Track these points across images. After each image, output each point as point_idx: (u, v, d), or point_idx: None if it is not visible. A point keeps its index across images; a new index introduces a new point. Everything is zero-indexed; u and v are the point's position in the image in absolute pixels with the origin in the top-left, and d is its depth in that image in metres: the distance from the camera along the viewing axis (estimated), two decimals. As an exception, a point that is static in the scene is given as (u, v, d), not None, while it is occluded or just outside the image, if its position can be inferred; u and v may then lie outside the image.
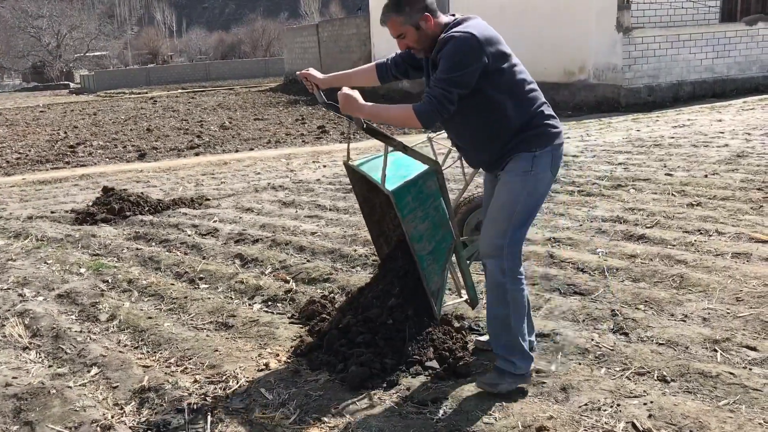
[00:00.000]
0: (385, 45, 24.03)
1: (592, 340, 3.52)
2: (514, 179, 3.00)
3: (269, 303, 4.40)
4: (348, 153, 3.81)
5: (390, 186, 3.14)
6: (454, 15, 3.06)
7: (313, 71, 3.48)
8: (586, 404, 2.95)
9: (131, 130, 16.21)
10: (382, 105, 3.08)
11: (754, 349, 3.32)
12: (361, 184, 3.89)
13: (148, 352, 3.79)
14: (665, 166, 7.52)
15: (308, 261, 5.10)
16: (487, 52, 2.86)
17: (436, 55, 2.93)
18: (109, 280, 5.00)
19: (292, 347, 3.67)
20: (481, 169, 3.31)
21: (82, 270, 5.26)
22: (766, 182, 6.40)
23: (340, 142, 12.49)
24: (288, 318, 4.12)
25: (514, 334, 3.06)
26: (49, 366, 3.67)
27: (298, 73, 3.49)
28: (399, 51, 3.28)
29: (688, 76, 14.62)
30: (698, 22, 14.79)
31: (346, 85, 3.25)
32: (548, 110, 3.07)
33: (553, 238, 5.21)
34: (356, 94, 3.05)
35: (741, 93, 14.64)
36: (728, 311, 3.75)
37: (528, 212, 3.04)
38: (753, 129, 9.67)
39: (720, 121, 10.92)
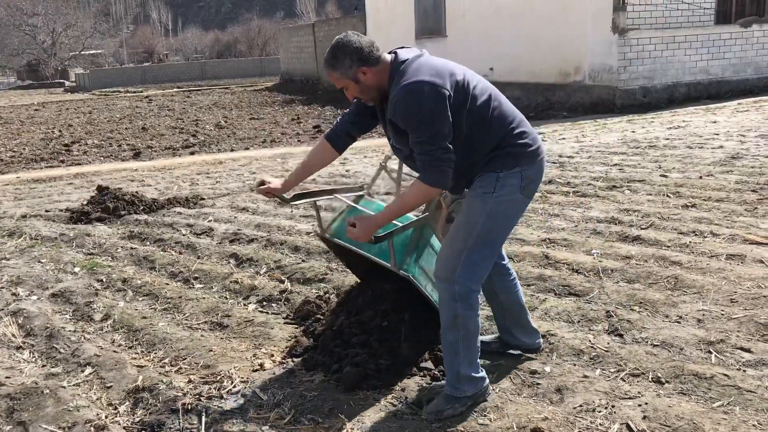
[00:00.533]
0: (381, 45, 24.00)
1: (587, 341, 3.52)
2: (473, 201, 2.86)
3: (264, 303, 4.39)
4: (320, 224, 3.60)
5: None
6: (395, 52, 2.86)
7: (267, 181, 3.29)
8: (580, 405, 2.95)
9: (126, 128, 16.18)
10: (395, 203, 2.89)
11: (748, 350, 3.32)
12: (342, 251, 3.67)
13: (142, 351, 3.78)
14: (660, 168, 7.54)
15: (303, 261, 5.09)
16: (445, 93, 2.66)
17: (391, 109, 2.72)
18: (104, 280, 4.99)
19: (287, 348, 3.67)
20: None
21: (77, 269, 5.25)
22: (761, 184, 6.42)
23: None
24: (283, 318, 4.12)
25: (461, 361, 2.92)
26: (43, 366, 3.66)
27: (256, 192, 3.24)
28: (347, 110, 3.17)
29: (683, 77, 14.66)
30: (693, 24, 14.83)
31: (305, 177, 3.24)
32: (520, 128, 2.87)
33: (549, 239, 5.21)
34: (366, 218, 2.88)
35: (736, 95, 14.68)
36: (723, 313, 3.76)
37: (489, 235, 2.85)
38: (747, 131, 9.70)
39: (715, 122, 10.95)
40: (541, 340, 3.44)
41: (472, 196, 2.88)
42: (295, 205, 3.33)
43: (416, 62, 2.76)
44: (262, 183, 3.29)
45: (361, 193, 3.66)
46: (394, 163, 3.54)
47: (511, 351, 3.44)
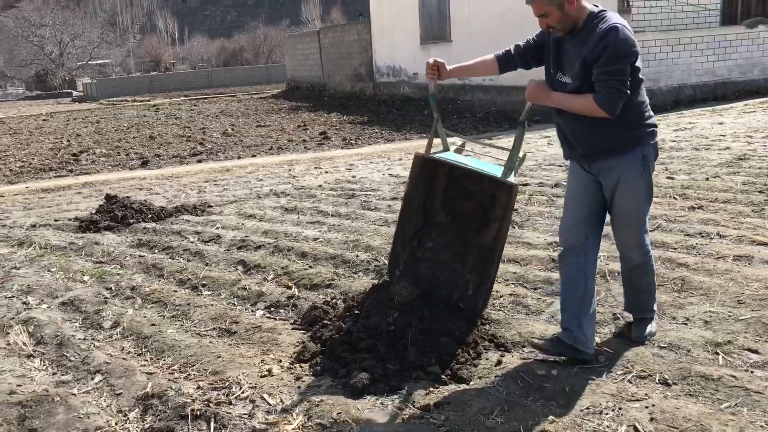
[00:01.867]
0: (386, 52, 24.10)
1: (594, 343, 3.52)
2: (634, 181, 3.29)
3: (272, 309, 4.41)
4: (428, 148, 3.90)
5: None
6: (596, 5, 3.24)
7: (440, 61, 3.63)
8: (587, 408, 2.96)
9: (134, 137, 16.27)
10: (564, 94, 3.24)
11: (756, 351, 3.32)
12: (434, 176, 3.97)
13: (151, 358, 3.81)
14: (667, 170, 7.53)
15: (310, 267, 5.11)
16: (638, 48, 3.12)
17: (590, 40, 3.11)
18: (113, 288, 5.02)
19: (294, 353, 3.69)
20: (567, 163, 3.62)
21: (86, 278, 5.29)
22: (768, 185, 6.41)
23: (342, 148, 12.52)
24: (290, 324, 4.14)
25: (654, 292, 3.61)
26: (53, 373, 3.69)
27: (429, 60, 3.60)
28: (517, 44, 3.53)
29: (689, 79, 14.63)
30: (699, 26, 14.80)
31: (466, 76, 3.99)
32: (650, 111, 3.33)
33: (555, 242, 5.22)
34: (544, 84, 3.32)
35: (742, 96, 14.64)
36: (730, 314, 3.75)
37: (647, 204, 3.40)
38: (754, 132, 9.67)
39: (721, 124, 10.93)
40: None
41: (629, 178, 3.28)
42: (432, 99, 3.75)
43: (613, 13, 3.19)
44: (436, 63, 3.60)
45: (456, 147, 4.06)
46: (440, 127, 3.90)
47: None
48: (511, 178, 3.56)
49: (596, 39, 3.08)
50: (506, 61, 3.56)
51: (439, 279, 3.99)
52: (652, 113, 3.32)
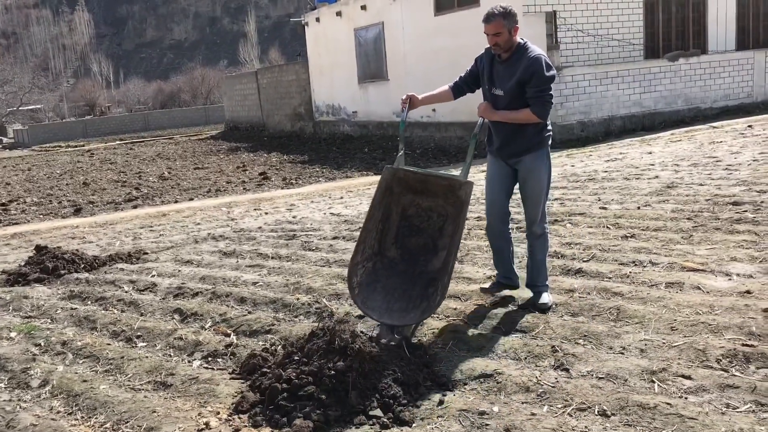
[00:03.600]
0: (325, 91, 24.27)
1: (534, 377, 3.54)
2: (540, 171, 4.42)
3: (209, 359, 4.29)
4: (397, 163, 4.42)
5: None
6: (522, 38, 4.31)
7: (414, 95, 4.54)
8: (529, 444, 2.95)
9: (67, 184, 15.85)
10: (506, 111, 4.31)
11: (689, 377, 3.39)
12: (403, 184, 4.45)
13: (82, 417, 3.65)
14: (600, 200, 7.72)
15: (249, 312, 5.02)
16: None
17: (520, 65, 4.18)
18: (42, 344, 4.81)
19: (233, 404, 3.59)
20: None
21: (13, 334, 5.06)
22: (695, 211, 6.63)
23: (282, 188, 12.46)
24: (229, 373, 4.03)
25: (546, 266, 4.68)
26: (-24, 439, 3.49)
27: (403, 97, 4.48)
28: (461, 76, 4.60)
29: (618, 111, 15.17)
30: (624, 60, 15.43)
31: (434, 101, 4.69)
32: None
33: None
34: (489, 106, 4.37)
35: (668, 125, 15.25)
36: (664, 341, 3.83)
37: (548, 189, 4.51)
38: (681, 160, 10.04)
39: (650, 153, 11.31)
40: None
41: (537, 169, 4.40)
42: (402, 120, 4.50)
43: (534, 45, 4.29)
44: (408, 96, 4.49)
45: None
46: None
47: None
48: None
49: (526, 65, 4.16)
50: (458, 89, 4.63)
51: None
52: (550, 125, 4.45)
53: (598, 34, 14.95)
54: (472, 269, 5.55)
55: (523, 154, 4.38)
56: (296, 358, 3.73)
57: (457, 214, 4.28)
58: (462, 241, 6.42)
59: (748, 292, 4.44)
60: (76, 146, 32.72)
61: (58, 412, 3.74)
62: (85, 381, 4.07)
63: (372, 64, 20.73)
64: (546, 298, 4.53)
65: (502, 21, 4.14)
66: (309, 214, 9.00)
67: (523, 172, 4.43)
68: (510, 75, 4.21)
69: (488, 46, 4.32)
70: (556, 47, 14.31)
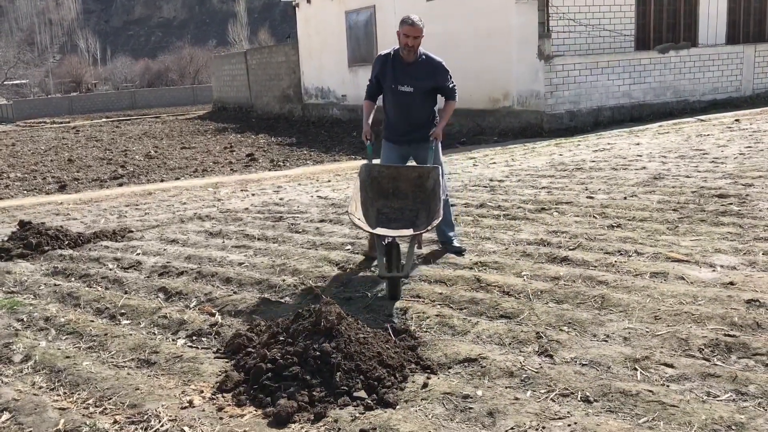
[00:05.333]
0: (314, 73, 24.13)
1: (518, 362, 3.56)
2: (438, 149, 5.50)
3: (194, 338, 4.28)
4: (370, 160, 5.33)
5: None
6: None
7: (368, 128, 5.36)
8: (512, 428, 2.98)
9: (52, 160, 15.69)
10: (444, 117, 5.46)
11: (671, 366, 3.42)
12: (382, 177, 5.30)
13: (65, 393, 3.63)
14: (587, 189, 7.75)
15: (235, 293, 5.00)
16: None
17: (429, 68, 5.28)
18: (25, 319, 4.78)
19: (217, 383, 3.58)
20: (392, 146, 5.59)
21: (-5, 309, 5.01)
22: (681, 203, 6.67)
23: (270, 169, 12.41)
24: (213, 353, 4.02)
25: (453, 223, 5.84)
26: (-44, 413, 3.46)
27: (366, 135, 5.34)
28: (368, 85, 5.56)
29: (607, 101, 15.19)
30: (615, 50, 15.42)
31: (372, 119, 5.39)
32: None
33: (480, 262, 5.28)
34: (437, 129, 5.43)
35: (657, 117, 15.30)
36: (647, 330, 3.86)
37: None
38: (668, 152, 10.10)
39: (638, 144, 11.36)
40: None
41: (437, 148, 5.46)
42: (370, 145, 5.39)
43: (427, 51, 5.34)
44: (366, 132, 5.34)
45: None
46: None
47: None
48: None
49: (435, 68, 5.29)
50: (374, 97, 5.50)
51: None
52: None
53: (590, 24, 14.94)
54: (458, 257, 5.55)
55: (428, 138, 5.38)
56: (281, 338, 3.72)
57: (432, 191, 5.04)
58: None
59: (731, 283, 4.48)
60: (61, 122, 32.37)
61: (41, 387, 3.72)
62: (68, 357, 4.04)
63: (362, 47, 20.61)
64: (458, 242, 5.70)
65: (422, 29, 5.06)
66: (296, 197, 8.97)
67: (426, 152, 5.39)
68: (417, 75, 5.22)
69: (386, 51, 5.38)
70: (547, 36, 14.29)
